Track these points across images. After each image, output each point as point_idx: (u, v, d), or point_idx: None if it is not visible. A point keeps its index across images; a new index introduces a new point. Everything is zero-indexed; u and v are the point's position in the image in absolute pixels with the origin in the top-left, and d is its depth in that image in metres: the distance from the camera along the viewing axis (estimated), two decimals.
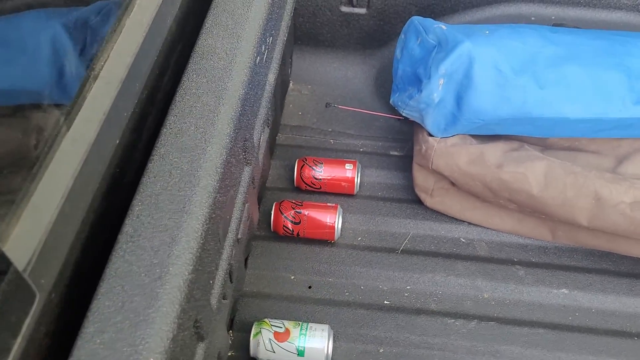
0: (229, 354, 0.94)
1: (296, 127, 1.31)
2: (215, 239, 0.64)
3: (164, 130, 0.64)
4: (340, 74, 1.40)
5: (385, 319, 0.99)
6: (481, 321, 0.99)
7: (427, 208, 1.14)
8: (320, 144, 1.28)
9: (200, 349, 0.64)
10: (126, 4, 0.67)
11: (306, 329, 0.91)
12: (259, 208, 1.12)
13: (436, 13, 1.26)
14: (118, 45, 0.64)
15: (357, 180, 1.15)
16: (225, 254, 0.74)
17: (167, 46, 0.74)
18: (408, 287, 1.04)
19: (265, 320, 0.92)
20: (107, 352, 0.47)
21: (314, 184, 1.16)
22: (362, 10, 1.29)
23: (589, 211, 0.97)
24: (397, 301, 1.02)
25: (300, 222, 1.06)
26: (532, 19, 1.24)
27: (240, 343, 0.94)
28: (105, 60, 0.62)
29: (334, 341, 0.93)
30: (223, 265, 0.73)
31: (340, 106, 1.24)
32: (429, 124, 1.03)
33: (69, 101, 0.57)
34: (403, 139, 1.28)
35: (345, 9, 1.29)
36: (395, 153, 1.26)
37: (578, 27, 1.14)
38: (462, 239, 1.12)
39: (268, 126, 1.07)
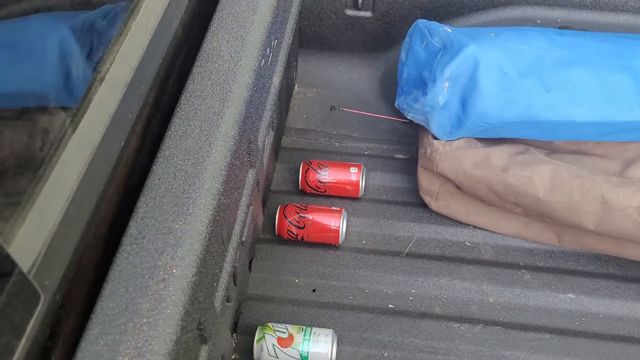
0: (233, 357, 0.94)
1: (301, 130, 1.31)
2: (219, 242, 0.64)
3: (168, 133, 0.64)
4: (346, 77, 1.40)
5: (389, 323, 0.98)
6: (486, 326, 0.98)
7: (432, 211, 1.14)
8: (325, 146, 1.28)
9: (204, 351, 0.64)
10: (132, 8, 0.68)
11: (310, 334, 0.90)
12: (263, 211, 1.12)
13: (441, 16, 1.26)
14: (124, 48, 0.64)
15: (362, 184, 1.15)
16: (229, 257, 0.74)
17: (173, 49, 0.74)
18: (413, 291, 1.03)
19: (269, 324, 0.92)
20: (111, 354, 0.47)
21: (319, 188, 1.15)
22: (367, 14, 1.29)
23: (595, 215, 0.96)
24: (402, 305, 1.01)
25: (304, 227, 1.06)
26: (538, 21, 1.24)
27: (244, 346, 0.94)
28: (111, 63, 0.62)
29: (338, 345, 0.93)
30: (227, 267, 0.73)
31: (345, 109, 1.24)
32: (434, 127, 1.02)
33: (74, 104, 0.57)
34: (408, 142, 1.27)
35: (350, 12, 1.30)
36: (400, 156, 1.26)
37: (584, 30, 1.13)
38: (467, 242, 1.11)
39: (273, 129, 1.07)
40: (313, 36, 1.35)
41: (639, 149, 1.05)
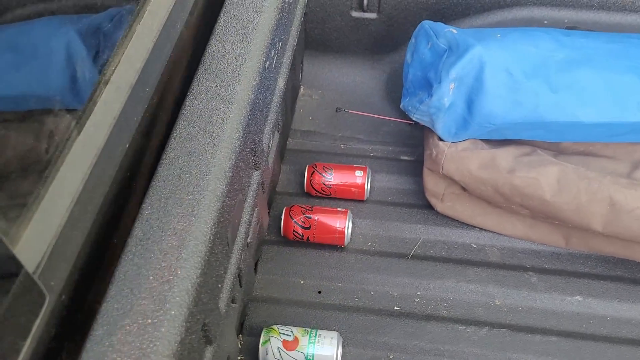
0: (239, 358, 0.94)
1: (306, 132, 1.31)
2: (223, 243, 0.65)
3: (173, 135, 0.64)
4: (351, 78, 1.40)
5: (395, 325, 0.98)
6: (493, 328, 0.98)
7: (437, 213, 1.13)
8: (330, 148, 1.28)
9: (209, 352, 0.64)
10: (137, 10, 0.68)
11: (315, 336, 0.90)
12: (269, 212, 1.12)
13: (447, 17, 1.26)
14: (129, 51, 0.64)
15: (367, 187, 1.14)
16: (234, 258, 0.75)
17: (177, 51, 0.75)
18: (418, 293, 1.03)
19: (274, 327, 0.92)
20: (116, 355, 0.47)
21: (324, 191, 1.15)
22: (373, 15, 1.29)
23: (603, 217, 0.96)
24: (407, 307, 1.01)
25: (310, 227, 1.06)
26: (545, 22, 1.23)
27: (250, 347, 0.94)
28: (116, 66, 0.62)
29: (343, 347, 0.92)
30: (232, 269, 0.73)
31: (350, 111, 1.24)
32: (440, 128, 1.02)
33: (80, 106, 0.57)
34: (413, 144, 1.27)
35: (355, 13, 1.30)
36: (406, 158, 1.26)
37: (591, 30, 1.12)
38: (473, 244, 1.10)
39: (278, 131, 1.07)
40: (318, 38, 1.35)
41: None
